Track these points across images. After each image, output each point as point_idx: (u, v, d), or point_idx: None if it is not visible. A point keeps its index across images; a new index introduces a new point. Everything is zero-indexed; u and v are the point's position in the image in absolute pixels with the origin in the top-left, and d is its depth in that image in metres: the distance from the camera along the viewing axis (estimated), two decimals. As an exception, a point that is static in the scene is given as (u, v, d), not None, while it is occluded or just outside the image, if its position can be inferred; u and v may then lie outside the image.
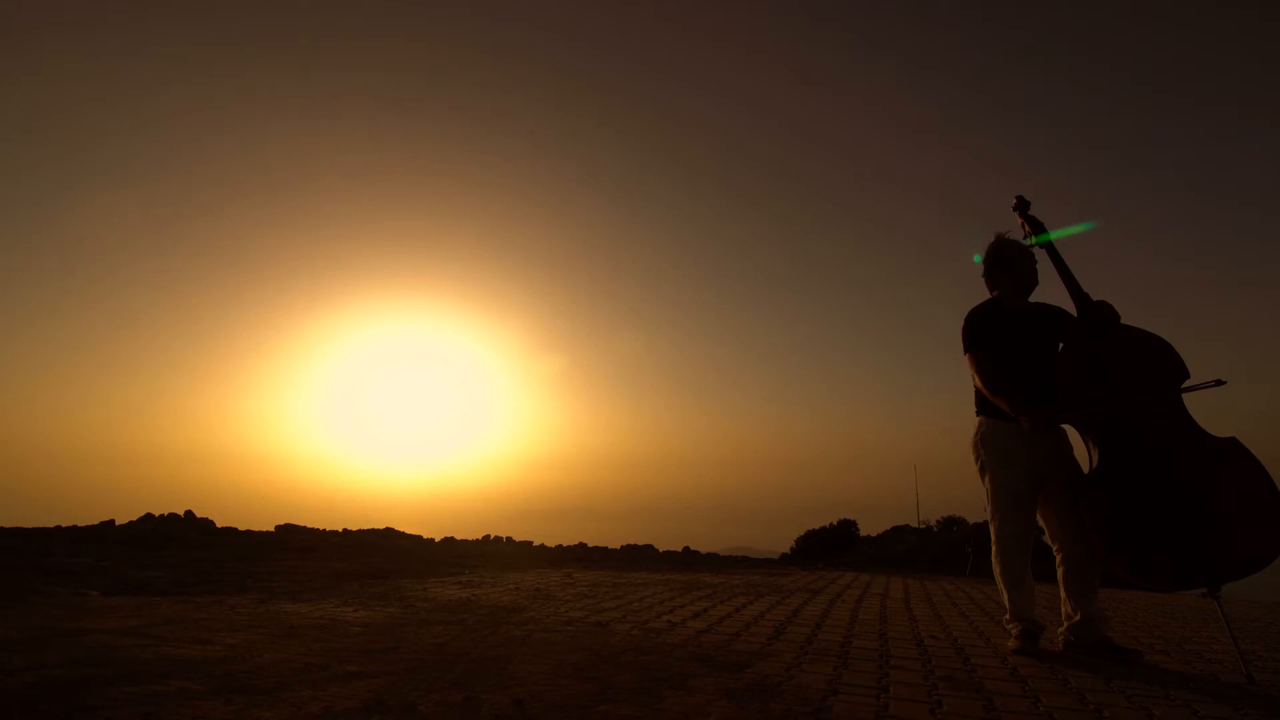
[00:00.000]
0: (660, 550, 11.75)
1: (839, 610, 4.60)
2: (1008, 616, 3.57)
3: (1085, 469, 3.46)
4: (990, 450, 3.57)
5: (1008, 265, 3.70)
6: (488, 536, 11.80)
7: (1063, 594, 3.52)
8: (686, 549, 11.82)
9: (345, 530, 10.21)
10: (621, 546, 11.50)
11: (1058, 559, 3.53)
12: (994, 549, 3.60)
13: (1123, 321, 3.53)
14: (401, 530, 10.68)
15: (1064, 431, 3.62)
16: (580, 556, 10.03)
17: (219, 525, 8.48)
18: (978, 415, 3.66)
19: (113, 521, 8.03)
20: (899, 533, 24.51)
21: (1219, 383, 3.39)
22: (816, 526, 25.56)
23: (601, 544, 11.76)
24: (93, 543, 5.92)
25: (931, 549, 21.84)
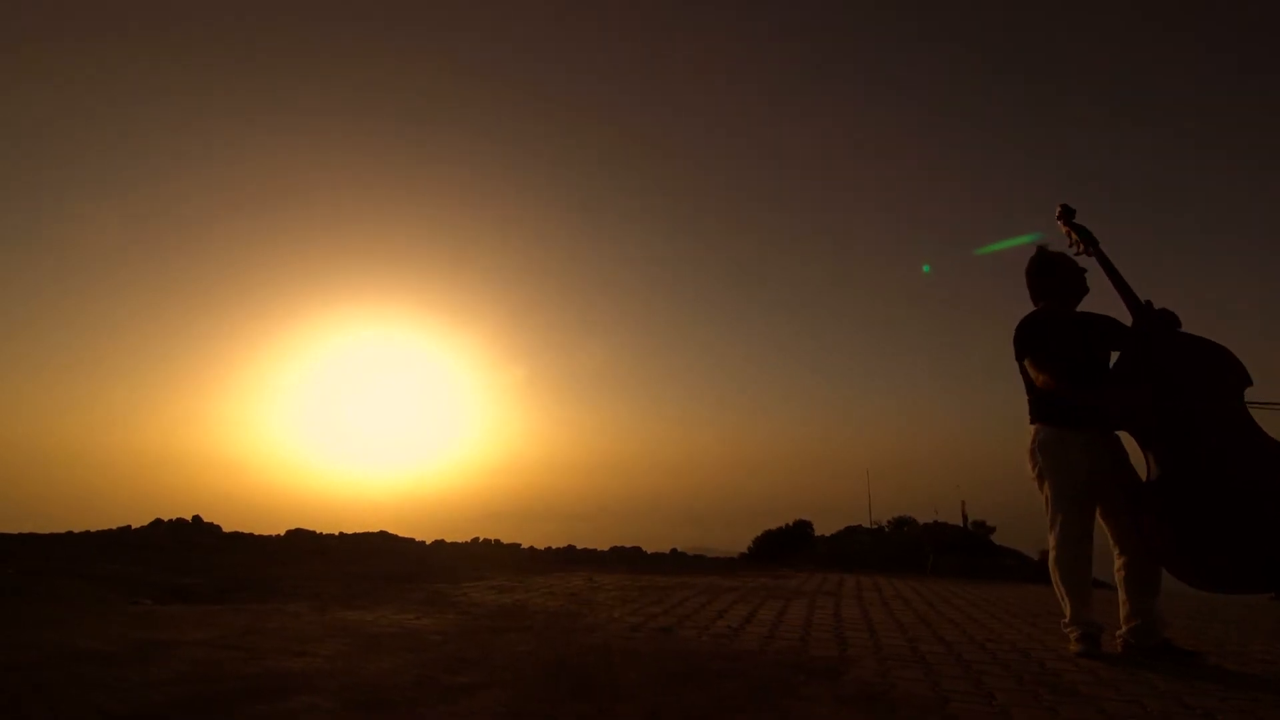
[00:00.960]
0: (648, 552, 11.77)
1: (876, 613, 4.65)
2: (1067, 620, 3.63)
3: (1143, 476, 3.53)
4: (1048, 457, 3.62)
5: (1061, 274, 3.76)
6: (476, 539, 11.73)
7: (1122, 597, 3.58)
8: (674, 550, 11.87)
9: (342, 534, 10.10)
10: (610, 549, 11.51)
11: (1118, 563, 3.59)
12: (1053, 554, 3.65)
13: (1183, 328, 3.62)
14: (395, 534, 10.59)
15: (1119, 437, 3.70)
16: (573, 559, 10.03)
17: (225, 530, 8.35)
18: (1033, 423, 3.72)
19: (129, 527, 7.86)
20: (852, 533, 24.83)
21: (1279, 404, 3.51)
22: (774, 527, 25.78)
23: (588, 546, 11.76)
24: (117, 548, 5.80)
25: (885, 549, 22.15)
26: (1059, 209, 3.99)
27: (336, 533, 10.03)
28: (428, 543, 11.10)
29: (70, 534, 6.98)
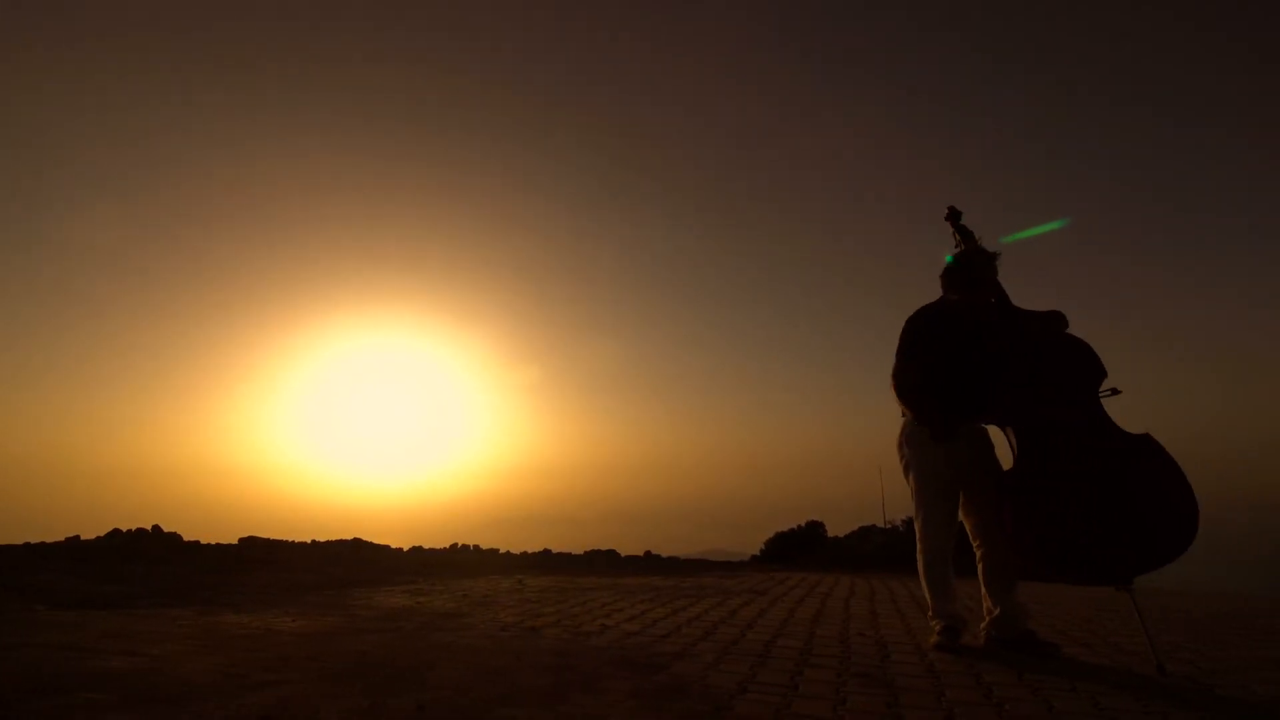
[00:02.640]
0: (622, 555, 11.79)
1: (777, 611, 4.68)
2: (931, 613, 3.66)
3: (1008, 467, 3.56)
4: (914, 449, 3.66)
5: (976, 272, 3.75)
6: (455, 545, 11.79)
7: (983, 589, 3.62)
8: (648, 553, 11.88)
9: (314, 542, 10.21)
10: (584, 552, 11.54)
11: (978, 555, 3.63)
12: (918, 546, 3.70)
13: (1067, 327, 3.65)
14: (369, 540, 10.68)
15: (986, 431, 3.72)
16: (539, 564, 10.09)
17: (185, 540, 8.46)
18: (904, 415, 3.76)
19: (78, 537, 8.00)
20: (866, 533, 24.66)
21: (1115, 392, 3.54)
22: (785, 528, 25.70)
23: (566, 549, 11.79)
24: (57, 559, 5.92)
25: (899, 547, 22.00)
26: (948, 210, 4.00)
27: (309, 540, 10.16)
28: (405, 549, 11.18)
29: (27, 545, 7.13)
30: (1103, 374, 3.53)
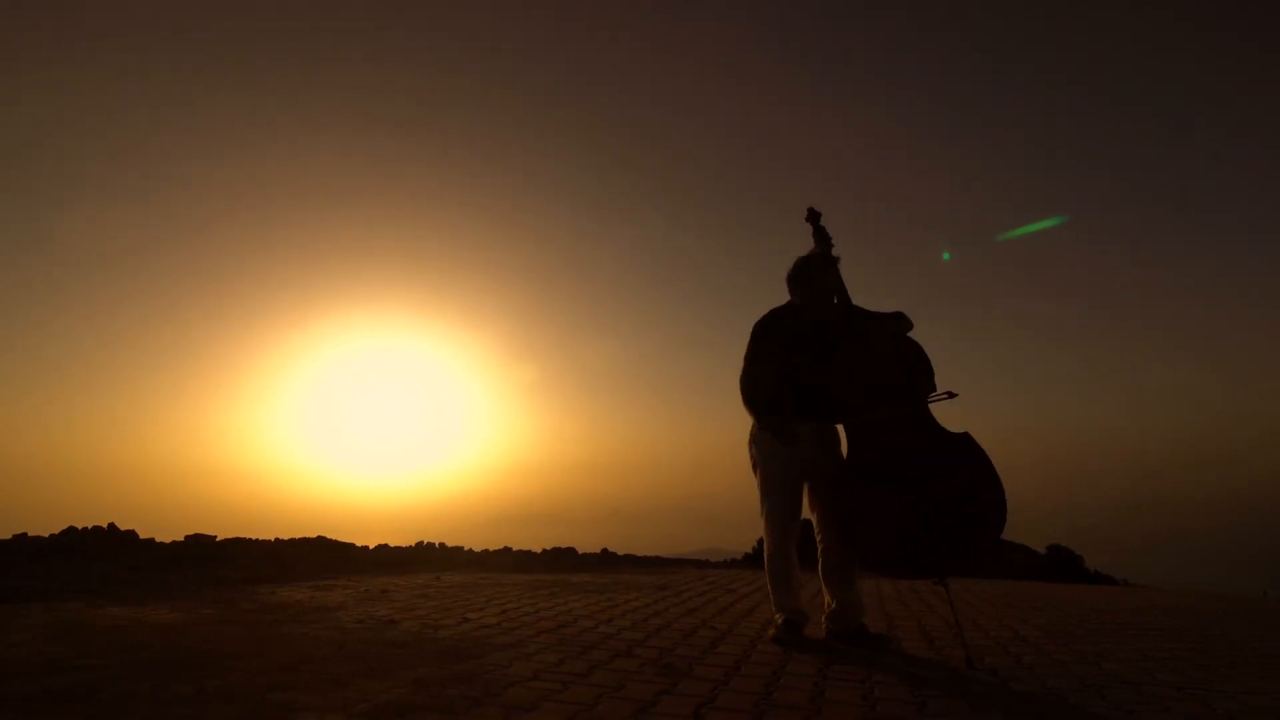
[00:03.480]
0: (580, 553, 11.93)
1: (664, 604, 4.82)
2: (774, 607, 3.81)
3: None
4: (760, 449, 3.80)
5: (814, 276, 3.87)
6: (420, 543, 11.97)
7: (822, 584, 3.77)
8: (604, 550, 12.04)
9: (276, 540, 10.38)
10: (542, 550, 11.70)
11: (819, 550, 3.77)
12: (765, 542, 3.84)
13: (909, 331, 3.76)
14: (332, 538, 10.85)
15: (834, 429, 3.85)
16: (481, 561, 10.29)
17: (142, 538, 8.66)
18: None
19: (25, 534, 8.20)
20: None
21: (951, 395, 3.68)
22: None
23: (528, 548, 11.95)
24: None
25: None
26: (808, 211, 4.08)
27: (272, 538, 10.34)
28: (371, 547, 11.36)
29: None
30: (930, 375, 3.66)
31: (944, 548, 3.43)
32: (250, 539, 10.42)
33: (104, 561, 6.48)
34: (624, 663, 3.10)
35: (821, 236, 3.97)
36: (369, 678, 2.70)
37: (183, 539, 8.75)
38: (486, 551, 11.65)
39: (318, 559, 8.26)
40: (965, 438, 3.54)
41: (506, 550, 11.69)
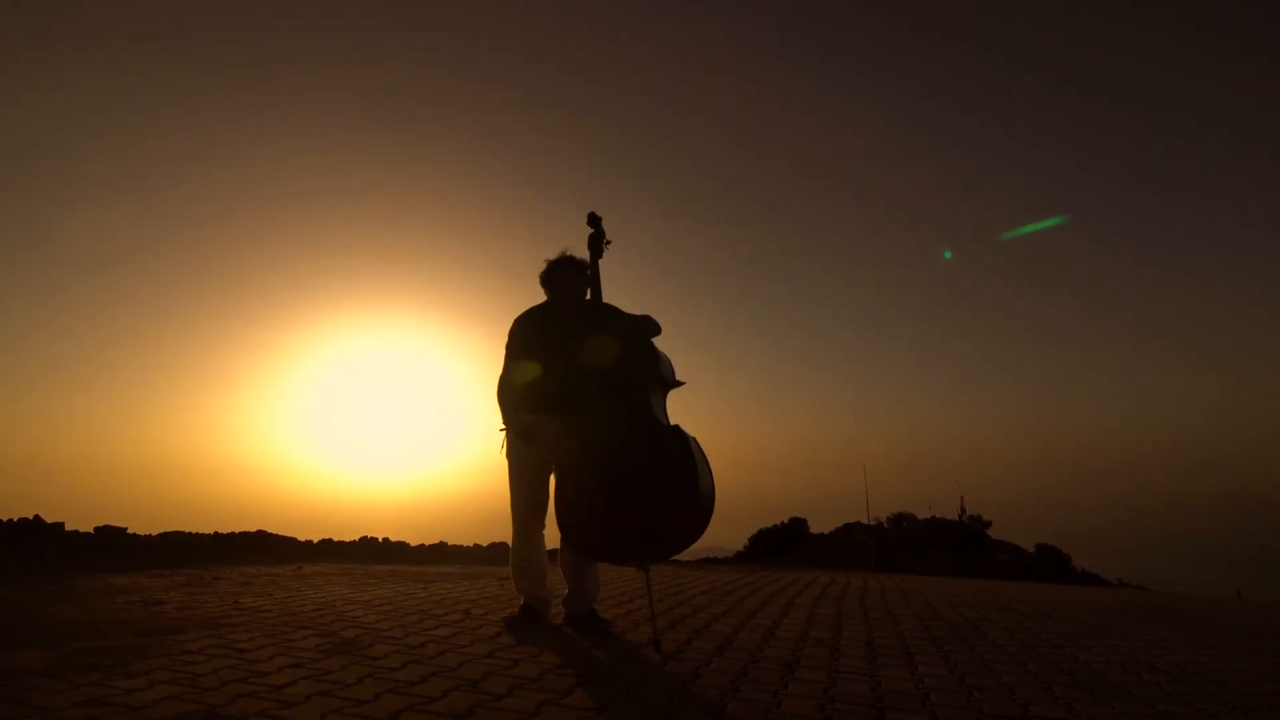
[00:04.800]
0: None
1: (457, 594, 5.17)
2: (516, 592, 4.12)
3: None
4: (509, 441, 4.06)
5: (556, 277, 4.13)
6: (363, 537, 12.41)
7: (559, 569, 4.06)
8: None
9: (216, 534, 10.84)
10: (473, 544, 12.08)
11: (561, 537, 3.92)
12: (513, 529, 4.07)
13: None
14: (272, 532, 11.28)
15: (576, 422, 4.07)
16: (389, 552, 10.69)
17: (67, 529, 9.18)
18: None
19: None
20: (850, 530, 24.85)
21: (678, 383, 3.93)
22: (768, 525, 25.95)
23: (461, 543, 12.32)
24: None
25: (883, 544, 22.25)
26: (589, 215, 4.15)
27: (211, 532, 10.82)
28: (315, 542, 11.82)
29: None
30: (653, 371, 3.84)
31: (639, 537, 3.58)
32: (188, 532, 10.94)
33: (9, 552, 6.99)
34: (306, 640, 3.45)
35: (595, 240, 4.11)
36: (34, 648, 3.09)
37: (91, 530, 9.27)
38: (423, 546, 12.08)
39: (217, 553, 8.76)
40: (676, 430, 3.69)
41: (442, 544, 12.10)
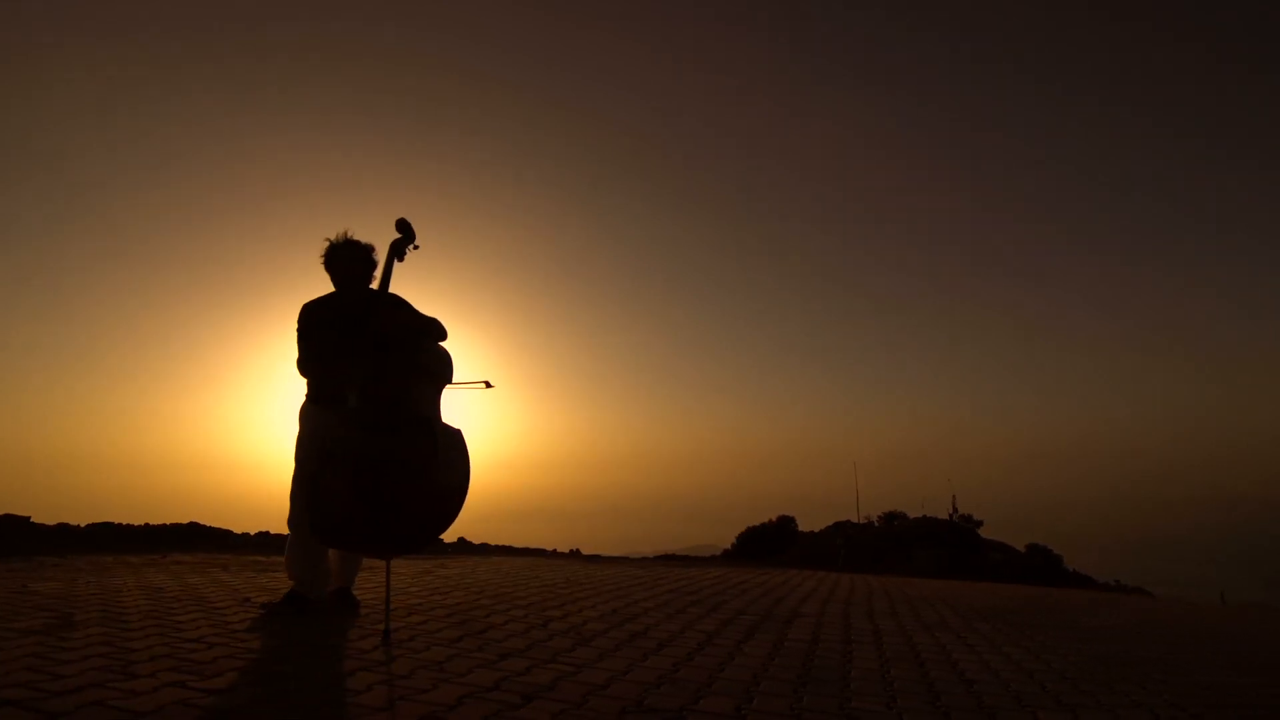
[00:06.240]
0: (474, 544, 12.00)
1: (260, 583, 4.89)
2: (288, 576, 3.90)
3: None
4: (300, 423, 3.91)
5: (339, 257, 3.97)
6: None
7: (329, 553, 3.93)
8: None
9: (146, 525, 10.56)
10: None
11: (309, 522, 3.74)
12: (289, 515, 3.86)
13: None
14: (206, 524, 11.00)
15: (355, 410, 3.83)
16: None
17: (35, 522, 8.88)
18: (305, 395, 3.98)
19: None
20: (839, 528, 24.52)
21: (488, 385, 3.79)
22: (756, 523, 25.62)
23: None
24: None
25: (874, 543, 21.93)
26: (398, 220, 3.98)
27: (142, 524, 10.52)
28: (252, 534, 11.50)
29: None
30: (423, 365, 3.69)
31: (378, 529, 3.37)
32: (122, 524, 10.66)
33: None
34: (34, 619, 3.31)
35: (397, 245, 3.92)
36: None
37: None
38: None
39: (114, 541, 8.48)
40: (425, 424, 3.53)
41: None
